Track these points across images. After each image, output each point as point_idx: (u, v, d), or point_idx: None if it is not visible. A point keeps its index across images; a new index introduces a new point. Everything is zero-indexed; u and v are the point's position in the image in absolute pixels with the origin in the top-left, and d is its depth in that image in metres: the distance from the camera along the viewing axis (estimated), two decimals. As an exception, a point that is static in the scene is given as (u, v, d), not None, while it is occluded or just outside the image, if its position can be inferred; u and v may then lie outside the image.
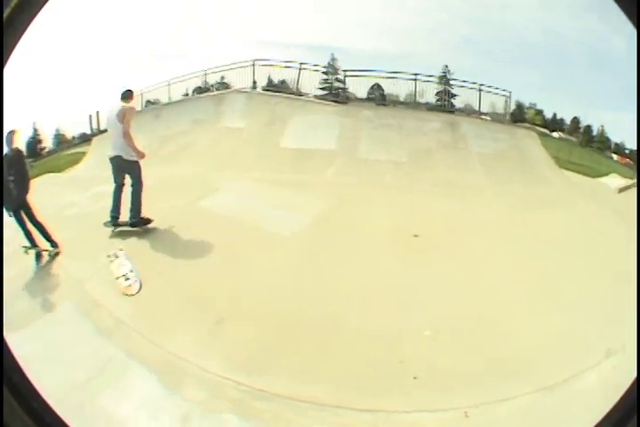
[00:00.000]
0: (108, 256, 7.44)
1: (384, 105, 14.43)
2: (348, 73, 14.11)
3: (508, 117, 13.56)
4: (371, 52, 13.23)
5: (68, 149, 15.80)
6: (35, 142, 14.96)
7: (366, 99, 14.92)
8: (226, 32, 13.16)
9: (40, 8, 2.20)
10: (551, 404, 4.23)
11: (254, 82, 14.46)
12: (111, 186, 8.37)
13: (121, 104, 8.33)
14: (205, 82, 16.04)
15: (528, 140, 12.53)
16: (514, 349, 5.02)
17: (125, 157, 8.09)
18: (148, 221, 8.16)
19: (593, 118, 12.89)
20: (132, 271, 6.89)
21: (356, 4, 12.48)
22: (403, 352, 5.09)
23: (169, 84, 15.49)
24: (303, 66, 14.30)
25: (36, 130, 14.74)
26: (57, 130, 15.39)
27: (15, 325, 5.93)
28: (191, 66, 14.90)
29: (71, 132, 15.78)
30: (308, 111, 12.66)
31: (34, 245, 7.86)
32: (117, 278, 6.88)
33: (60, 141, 15.81)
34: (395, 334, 5.33)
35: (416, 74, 13.47)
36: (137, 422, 4.62)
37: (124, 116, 8.07)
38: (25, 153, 14.21)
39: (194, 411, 4.64)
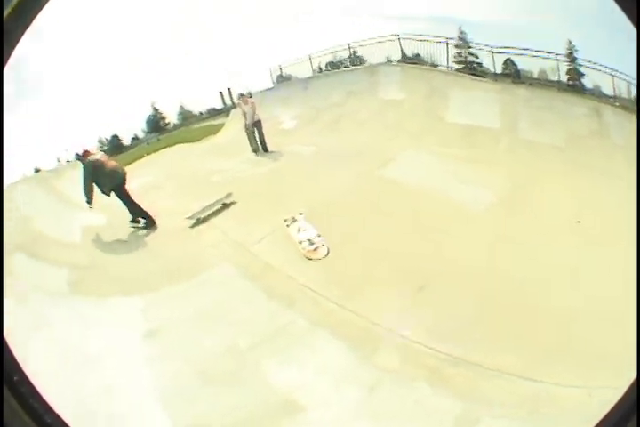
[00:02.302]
0: (285, 220, 7.70)
1: (519, 82, 13.96)
2: (492, 49, 13.63)
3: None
4: (495, 24, 12.77)
5: (197, 122, 16.58)
6: (156, 120, 15.70)
7: (501, 74, 14.48)
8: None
9: (40, 8, 2.21)
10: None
11: (403, 55, 14.32)
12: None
13: None
14: (336, 57, 16.12)
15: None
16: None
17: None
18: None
19: None
20: (319, 236, 7.04)
21: None
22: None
23: (310, 59, 15.62)
24: (445, 40, 14.00)
25: (156, 109, 15.46)
26: (181, 107, 16.12)
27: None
28: (327, 41, 14.89)
29: (197, 108, 16.52)
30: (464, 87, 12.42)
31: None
32: (300, 242, 7.04)
33: (186, 117, 16.56)
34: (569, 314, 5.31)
35: (557, 54, 12.91)
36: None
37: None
38: (146, 129, 15.16)
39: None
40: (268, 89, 15.71)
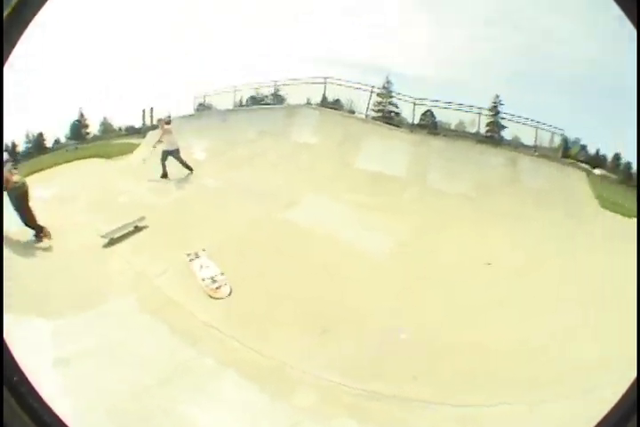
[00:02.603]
0: (188, 255, 7.51)
1: (435, 133, 14.45)
2: (415, 99, 14.06)
3: (559, 154, 13.60)
4: (422, 77, 13.31)
5: (115, 138, 16.38)
6: (80, 126, 15.40)
7: (418, 125, 14.94)
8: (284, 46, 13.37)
9: (40, 8, 2.22)
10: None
11: (324, 98, 14.54)
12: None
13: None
14: (259, 93, 16.25)
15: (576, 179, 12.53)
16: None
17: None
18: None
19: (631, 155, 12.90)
20: (221, 274, 6.84)
21: (413, 30, 12.61)
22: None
23: (235, 91, 15.62)
24: (370, 88, 14.36)
25: (82, 115, 15.16)
26: (104, 118, 15.85)
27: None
28: (256, 76, 15.05)
29: (118, 123, 16.32)
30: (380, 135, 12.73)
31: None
32: (203, 280, 6.85)
33: (107, 130, 16.31)
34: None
35: (479, 108, 13.55)
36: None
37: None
38: (69, 135, 14.85)
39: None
40: (188, 116, 15.61)
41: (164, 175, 12.14)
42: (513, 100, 13.16)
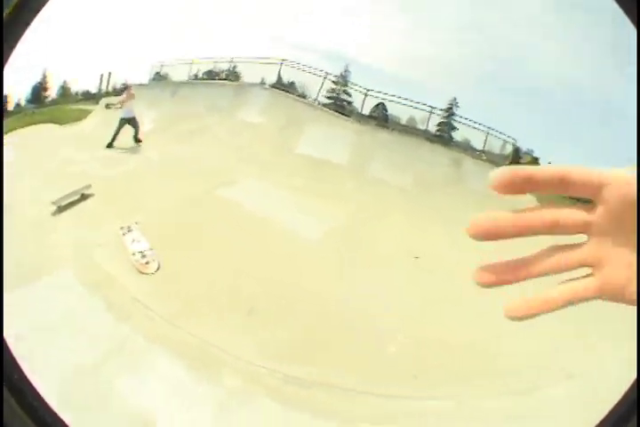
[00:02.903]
0: (121, 228, 7.49)
1: (383, 126, 14.61)
2: (368, 90, 14.14)
3: (507, 162, 13.98)
4: (382, 71, 13.45)
5: (71, 103, 16.02)
6: (40, 89, 15.02)
7: (368, 116, 15.08)
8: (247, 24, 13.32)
9: (40, 8, 2.19)
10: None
11: (279, 80, 14.49)
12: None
13: None
14: (217, 68, 16.04)
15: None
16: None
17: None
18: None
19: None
20: (150, 249, 6.82)
21: (383, 24, 12.70)
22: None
23: (191, 64, 15.40)
24: (324, 74, 14.36)
25: (45, 77, 14.78)
26: (64, 82, 15.44)
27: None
28: (214, 50, 14.90)
29: (76, 87, 15.94)
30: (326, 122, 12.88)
31: None
32: (133, 254, 6.82)
33: (64, 94, 15.93)
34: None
35: (432, 107, 13.78)
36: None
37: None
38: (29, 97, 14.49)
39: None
40: (142, 85, 15.33)
41: (111, 145, 12.05)
42: (470, 105, 13.42)
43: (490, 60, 11.72)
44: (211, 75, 16.39)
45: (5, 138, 12.71)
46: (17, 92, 13.92)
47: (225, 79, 15.75)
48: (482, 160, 13.46)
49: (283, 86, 14.34)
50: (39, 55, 12.04)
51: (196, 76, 16.06)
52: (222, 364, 5.22)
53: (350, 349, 5.67)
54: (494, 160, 14.07)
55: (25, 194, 8.75)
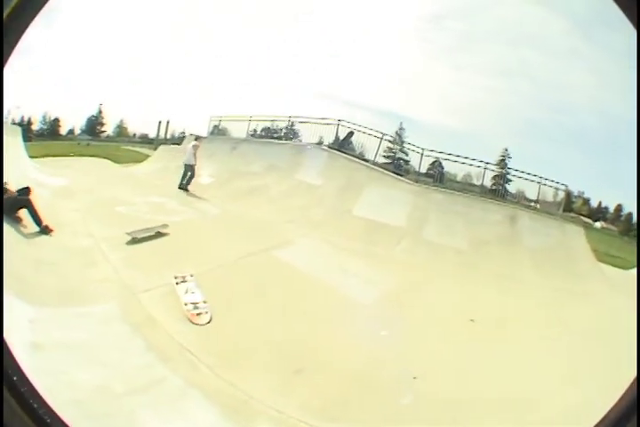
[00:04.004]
0: (176, 277, 7.51)
1: (441, 182, 14.64)
2: (423, 149, 14.26)
3: (560, 210, 13.71)
4: (434, 125, 13.66)
5: (128, 143, 16.81)
6: (95, 122, 15.80)
7: (425, 174, 15.15)
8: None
9: (40, 8, 2.23)
10: None
11: (337, 140, 14.80)
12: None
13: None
14: (276, 125, 16.55)
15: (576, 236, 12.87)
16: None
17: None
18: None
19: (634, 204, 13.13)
20: (204, 302, 6.89)
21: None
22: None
23: (249, 120, 15.95)
24: (381, 135, 14.60)
25: (101, 111, 15.57)
26: (121, 120, 16.25)
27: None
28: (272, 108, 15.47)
29: (133, 128, 16.77)
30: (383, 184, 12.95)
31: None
32: (186, 304, 6.86)
33: (121, 133, 16.72)
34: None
35: (487, 162, 13.79)
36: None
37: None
38: (84, 128, 15.32)
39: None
40: (202, 138, 15.90)
41: (181, 186, 13.21)
42: (520, 153, 13.39)
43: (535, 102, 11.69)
44: (269, 132, 16.91)
45: (61, 161, 13.38)
46: (72, 119, 14.74)
47: (283, 137, 16.24)
48: (536, 213, 13.24)
49: (340, 146, 14.60)
50: (98, 88, 12.80)
51: (255, 132, 16.61)
52: (257, 413, 5.10)
53: (392, 408, 5.44)
54: (549, 209, 13.85)
55: (76, 222, 9.43)
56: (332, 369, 5.92)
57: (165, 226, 9.53)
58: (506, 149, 14.72)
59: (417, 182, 13.22)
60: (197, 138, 14.08)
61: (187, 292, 7.20)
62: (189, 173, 13.20)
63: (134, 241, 8.75)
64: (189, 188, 13.11)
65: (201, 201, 12.54)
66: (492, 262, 10.72)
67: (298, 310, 7.20)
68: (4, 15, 1.94)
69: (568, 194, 14.46)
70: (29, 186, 8.78)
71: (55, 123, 15.12)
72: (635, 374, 1.94)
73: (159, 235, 9.26)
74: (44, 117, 14.43)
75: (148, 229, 9.23)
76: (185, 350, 5.96)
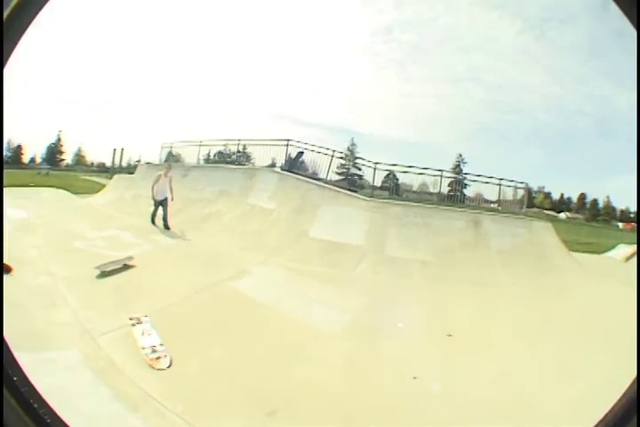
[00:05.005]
0: (131, 319, 7.24)
1: (397, 194, 14.73)
2: (376, 163, 14.32)
3: (523, 208, 13.94)
4: (386, 138, 13.90)
5: (85, 172, 16.79)
6: (55, 151, 15.90)
7: (380, 187, 15.22)
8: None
9: (41, 8, 2.18)
10: None
11: (288, 158, 14.77)
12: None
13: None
14: (228, 149, 16.48)
15: (543, 231, 13.26)
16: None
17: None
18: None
19: (598, 190, 13.74)
20: (161, 345, 6.59)
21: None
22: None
23: (200, 145, 15.84)
24: (333, 152, 14.60)
25: (59, 139, 15.65)
26: (79, 149, 16.32)
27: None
28: (220, 133, 15.56)
29: (90, 157, 16.91)
30: (338, 203, 12.83)
31: None
32: (143, 348, 6.58)
33: (79, 162, 16.83)
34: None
35: (440, 170, 13.92)
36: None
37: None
38: (44, 156, 15.35)
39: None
40: (154, 165, 15.76)
41: (153, 222, 12.95)
42: (476, 156, 13.72)
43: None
44: (222, 156, 16.86)
45: (20, 191, 13.14)
46: (33, 147, 14.78)
47: (235, 162, 16.17)
48: (499, 214, 13.39)
49: (291, 167, 14.54)
50: (56, 115, 12.94)
51: (208, 157, 16.50)
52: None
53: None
54: (511, 208, 14.06)
55: (34, 259, 9.19)
56: (306, 407, 5.60)
57: (130, 258, 9.49)
58: (460, 155, 15.00)
59: (372, 197, 13.24)
60: (168, 166, 13.46)
61: (143, 334, 6.89)
62: (164, 209, 12.82)
63: (103, 275, 8.68)
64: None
65: (155, 232, 12.37)
66: (461, 270, 10.76)
67: (262, 345, 6.87)
68: (4, 15, 1.92)
69: (529, 191, 14.85)
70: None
71: (18, 150, 15.24)
72: (635, 374, 1.91)
73: (126, 267, 9.21)
74: (8, 144, 14.50)
75: (115, 261, 9.18)
76: (149, 397, 5.55)
